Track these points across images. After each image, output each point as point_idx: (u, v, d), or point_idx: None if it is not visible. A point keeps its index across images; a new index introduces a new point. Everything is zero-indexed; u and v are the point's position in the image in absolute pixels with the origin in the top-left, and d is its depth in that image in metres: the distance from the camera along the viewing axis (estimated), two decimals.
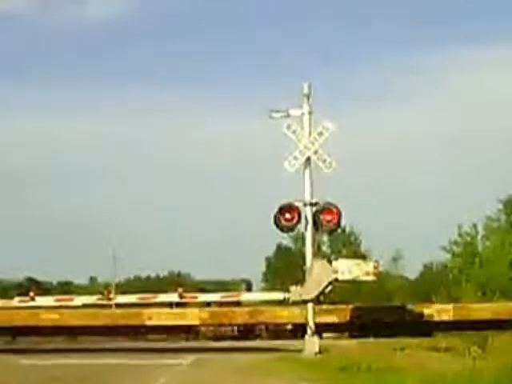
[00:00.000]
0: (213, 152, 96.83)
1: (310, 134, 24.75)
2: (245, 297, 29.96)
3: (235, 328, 30.58)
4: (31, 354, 26.91)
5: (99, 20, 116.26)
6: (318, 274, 24.01)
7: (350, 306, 29.38)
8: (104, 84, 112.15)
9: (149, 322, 28.76)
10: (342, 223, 27.93)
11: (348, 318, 28.26)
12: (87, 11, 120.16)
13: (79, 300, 30.00)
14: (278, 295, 27.90)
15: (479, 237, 59.86)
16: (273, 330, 31.63)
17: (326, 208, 24.75)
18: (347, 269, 24.49)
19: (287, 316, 29.93)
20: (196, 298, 29.69)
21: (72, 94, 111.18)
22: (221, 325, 30.54)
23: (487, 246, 58.81)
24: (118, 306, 29.79)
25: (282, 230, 25.51)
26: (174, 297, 29.33)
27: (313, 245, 24.92)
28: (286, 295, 25.60)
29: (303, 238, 25.19)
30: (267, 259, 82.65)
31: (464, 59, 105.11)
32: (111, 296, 31.60)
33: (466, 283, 55.77)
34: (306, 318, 24.27)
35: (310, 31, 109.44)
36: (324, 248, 69.14)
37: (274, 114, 25.02)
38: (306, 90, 24.85)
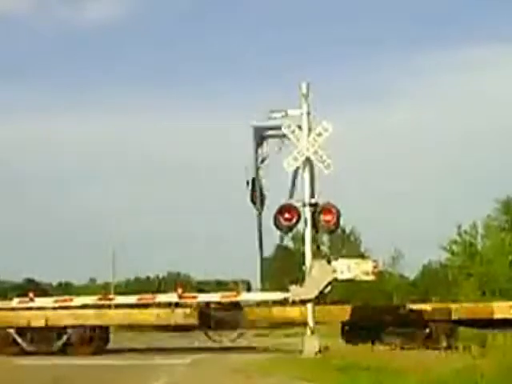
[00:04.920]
0: (212, 152, 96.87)
1: (308, 134, 24.77)
2: (244, 297, 29.86)
3: None
4: (30, 355, 26.91)
5: (96, 22, 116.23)
6: (318, 274, 24.03)
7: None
8: (104, 85, 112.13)
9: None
10: (342, 223, 27.98)
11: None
12: (84, 13, 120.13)
13: (79, 301, 29.89)
14: (278, 295, 27.84)
15: (479, 236, 59.91)
16: None
17: (326, 208, 24.78)
18: (347, 268, 24.51)
19: None
20: (195, 298, 29.62)
21: (70, 96, 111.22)
22: None
23: (487, 246, 58.82)
24: (118, 306, 29.72)
25: (281, 230, 25.54)
26: (173, 297, 29.27)
27: (312, 245, 24.95)
28: (286, 295, 25.60)
29: (303, 238, 25.22)
30: (266, 259, 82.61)
31: (464, 59, 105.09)
32: (111, 296, 31.54)
33: (465, 283, 55.86)
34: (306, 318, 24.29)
35: (309, 31, 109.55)
36: (323, 248, 69.12)
37: (274, 115, 25.04)
38: (304, 90, 24.86)
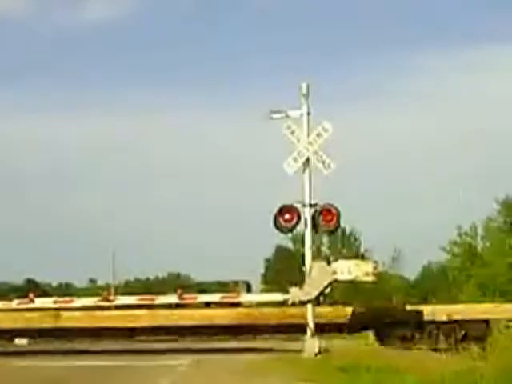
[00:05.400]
0: (212, 153, 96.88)
1: (308, 135, 24.77)
2: (245, 298, 29.88)
3: None
4: (28, 356, 26.90)
5: (97, 22, 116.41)
6: (318, 275, 24.03)
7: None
8: (104, 85, 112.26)
9: None
10: (342, 224, 27.95)
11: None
12: (84, 14, 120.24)
13: (79, 302, 29.86)
14: (278, 296, 27.85)
15: (479, 237, 59.91)
16: None
17: (326, 209, 24.78)
18: (347, 269, 24.51)
19: None
20: (196, 298, 29.62)
21: (70, 96, 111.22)
22: None
23: (487, 247, 58.82)
24: (118, 307, 29.70)
25: (281, 230, 25.55)
26: (173, 298, 29.27)
27: (312, 246, 24.95)
28: (286, 296, 25.60)
29: (303, 239, 25.22)
30: (266, 260, 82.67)
31: (464, 59, 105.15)
32: (111, 298, 31.52)
33: (465, 284, 55.85)
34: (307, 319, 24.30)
35: (310, 31, 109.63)
36: (324, 249, 69.17)
37: (274, 115, 25.03)
38: (304, 91, 24.86)
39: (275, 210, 24.93)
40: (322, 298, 25.20)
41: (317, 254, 25.71)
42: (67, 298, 31.56)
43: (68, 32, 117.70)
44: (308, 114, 24.87)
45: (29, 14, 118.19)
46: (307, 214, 24.57)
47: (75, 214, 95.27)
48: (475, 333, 27.09)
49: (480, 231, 59.67)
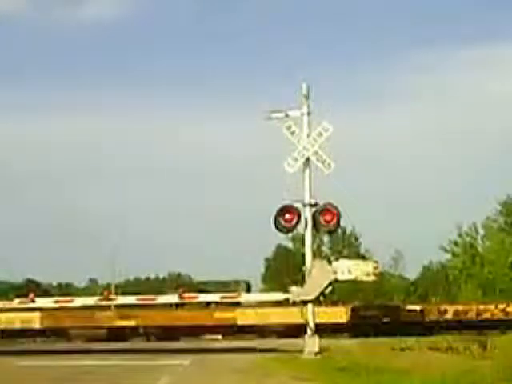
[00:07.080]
0: (212, 152, 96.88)
1: (309, 134, 24.77)
2: (244, 297, 29.91)
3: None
4: (28, 355, 26.90)
5: (96, 21, 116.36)
6: (318, 275, 24.02)
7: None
8: (103, 85, 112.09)
9: None
10: (342, 224, 27.96)
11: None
12: (83, 12, 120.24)
13: (79, 301, 29.90)
14: (278, 296, 27.86)
15: (479, 237, 59.91)
16: None
17: (326, 209, 24.77)
18: (347, 269, 24.51)
19: None
20: (196, 298, 29.66)
21: (70, 96, 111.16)
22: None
23: (487, 247, 58.83)
24: (118, 307, 29.73)
25: (281, 230, 25.52)
26: (173, 298, 29.30)
27: (312, 245, 24.93)
28: (286, 296, 25.60)
29: (303, 239, 25.22)
30: (266, 260, 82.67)
31: (464, 59, 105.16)
32: (111, 297, 31.57)
33: (465, 283, 55.88)
34: (307, 319, 24.29)
35: (310, 31, 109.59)
36: (324, 248, 69.20)
37: (274, 115, 25.02)
38: (304, 91, 24.87)
39: (275, 210, 24.93)
40: (322, 298, 25.21)
41: (317, 254, 25.67)
42: (67, 298, 31.61)
43: (66, 31, 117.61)
44: (308, 113, 24.87)
45: (27, 13, 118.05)
46: (307, 213, 24.56)
47: (75, 213, 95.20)
48: None
49: (480, 231, 59.71)
